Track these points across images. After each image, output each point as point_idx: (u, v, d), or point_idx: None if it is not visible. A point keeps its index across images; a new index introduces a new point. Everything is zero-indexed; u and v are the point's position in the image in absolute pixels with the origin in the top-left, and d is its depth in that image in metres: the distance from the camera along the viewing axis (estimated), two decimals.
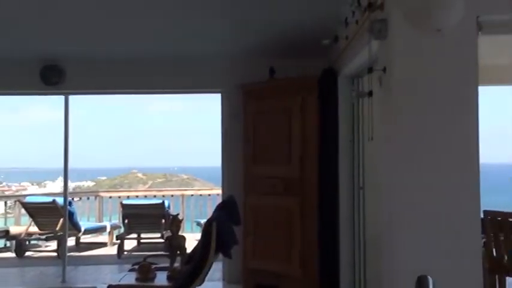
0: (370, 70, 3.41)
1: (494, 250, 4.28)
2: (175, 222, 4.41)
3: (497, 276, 4.42)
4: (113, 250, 7.91)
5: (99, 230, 8.67)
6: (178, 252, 4.29)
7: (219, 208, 4.37)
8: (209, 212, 8.34)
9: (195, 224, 9.19)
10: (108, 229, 8.55)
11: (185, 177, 37.92)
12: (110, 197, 9.86)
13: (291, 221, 5.26)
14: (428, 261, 3.06)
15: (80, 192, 13.49)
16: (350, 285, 4.97)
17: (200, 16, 4.98)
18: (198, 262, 3.84)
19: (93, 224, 9.01)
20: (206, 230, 3.85)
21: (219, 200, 6.71)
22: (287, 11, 4.80)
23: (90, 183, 39.04)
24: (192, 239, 6.12)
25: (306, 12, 4.79)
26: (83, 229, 7.97)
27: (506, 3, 3.10)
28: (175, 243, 4.29)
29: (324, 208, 5.11)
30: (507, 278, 4.50)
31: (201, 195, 9.93)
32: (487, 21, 3.09)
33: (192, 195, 9.97)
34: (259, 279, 5.48)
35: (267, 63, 5.57)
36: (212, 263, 3.89)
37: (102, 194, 10.10)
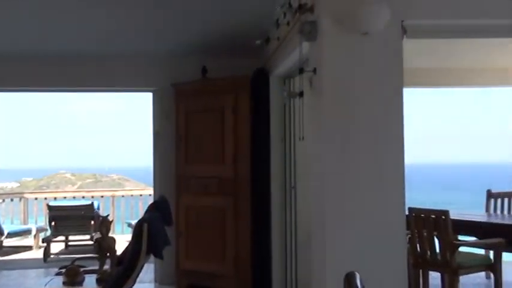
0: (301, 71, 3.46)
1: (418, 246, 4.47)
2: (104, 224, 4.29)
3: (421, 271, 4.62)
4: (39, 254, 7.60)
5: (24, 233, 8.29)
6: (108, 254, 4.18)
7: (151, 209, 4.30)
8: (140, 213, 8.19)
9: (126, 225, 8.99)
10: (33, 232, 8.21)
11: (116, 177, 36.98)
12: (36, 199, 9.46)
13: (224, 220, 5.26)
14: (357, 258, 3.14)
15: (3, 194, 12.85)
16: (282, 283, 5.03)
17: (131, 14, 4.88)
18: (129, 264, 3.76)
19: (17, 226, 8.61)
20: (137, 231, 3.77)
21: (151, 200, 6.60)
22: (220, 11, 4.80)
23: (14, 184, 37.28)
24: (122, 241, 5.99)
25: (239, 13, 4.80)
26: (6, 232, 7.64)
27: (429, 9, 3.24)
28: (104, 245, 4.17)
29: (257, 207, 5.14)
30: (430, 272, 4.72)
31: (132, 195, 9.72)
32: (411, 26, 3.21)
33: (123, 195, 9.74)
34: (192, 279, 5.44)
35: (200, 63, 5.53)
36: (143, 265, 3.82)
37: (27, 195, 9.68)
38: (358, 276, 1.63)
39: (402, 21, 3.18)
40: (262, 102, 5.10)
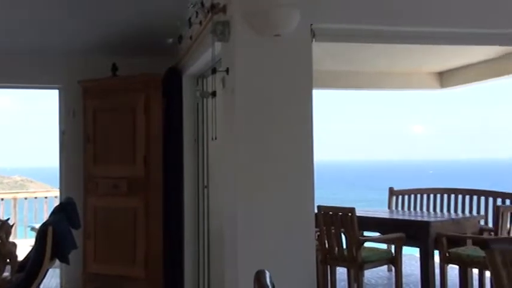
0: (213, 71, 3.47)
1: (326, 242, 4.61)
2: (4, 228, 4.07)
3: (328, 267, 4.78)
4: None
5: None
6: (8, 260, 3.96)
7: (56, 211, 4.13)
8: (45, 216, 7.82)
9: (28, 229, 8.54)
10: None
11: (18, 178, 35.01)
12: None
13: (135, 221, 5.15)
14: (268, 256, 3.20)
15: None
16: (194, 284, 5.01)
17: (37, 8, 4.65)
18: (31, 270, 3.58)
19: None
20: (41, 234, 3.61)
21: (57, 202, 6.32)
22: (132, 8, 4.69)
23: None
24: (25, 245, 5.72)
25: (151, 11, 4.72)
26: None
27: (337, 14, 3.36)
28: (4, 250, 3.95)
29: (169, 208, 5.08)
30: (337, 268, 4.89)
31: (36, 198, 9.24)
32: (319, 29, 3.32)
33: (26, 198, 9.24)
34: (101, 283, 5.28)
35: (111, 61, 5.37)
36: (48, 270, 3.66)
37: None
38: (268, 274, 1.66)
39: (311, 24, 3.27)
40: (174, 101, 5.05)
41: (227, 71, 3.31)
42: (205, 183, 4.80)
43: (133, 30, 5.06)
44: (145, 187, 5.12)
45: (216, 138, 3.90)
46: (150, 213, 5.11)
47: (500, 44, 4.43)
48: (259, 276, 1.64)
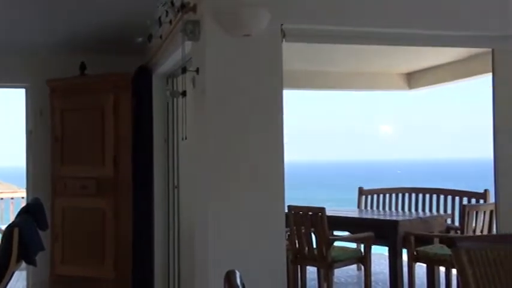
0: (183, 70, 3.46)
1: (296, 242, 4.64)
2: None
3: (299, 266, 4.81)
4: None
5: None
6: None
7: (23, 212, 4.05)
8: (11, 217, 7.66)
9: None
10: None
11: None
12: None
13: (104, 222, 5.10)
14: (239, 256, 3.20)
15: None
16: (164, 285, 4.98)
17: (2, 5, 4.55)
18: None
19: None
20: (7, 236, 3.54)
21: (24, 203, 6.20)
22: (101, 6, 4.63)
23: None
24: None
25: (120, 9, 4.67)
26: None
27: (307, 14, 3.38)
28: None
29: (139, 208, 5.04)
30: (308, 267, 4.93)
31: (2, 198, 9.05)
32: (290, 30, 3.33)
33: None
34: (69, 285, 5.20)
35: (80, 59, 5.29)
36: (14, 273, 3.60)
37: None
38: (238, 274, 1.66)
39: (282, 24, 3.28)
40: (144, 101, 5.00)
41: (197, 70, 3.30)
42: (176, 184, 4.77)
43: (102, 28, 5.00)
44: (115, 187, 5.07)
45: (186, 138, 3.88)
46: (119, 214, 5.06)
47: (465, 46, 4.54)
48: (229, 276, 1.64)
